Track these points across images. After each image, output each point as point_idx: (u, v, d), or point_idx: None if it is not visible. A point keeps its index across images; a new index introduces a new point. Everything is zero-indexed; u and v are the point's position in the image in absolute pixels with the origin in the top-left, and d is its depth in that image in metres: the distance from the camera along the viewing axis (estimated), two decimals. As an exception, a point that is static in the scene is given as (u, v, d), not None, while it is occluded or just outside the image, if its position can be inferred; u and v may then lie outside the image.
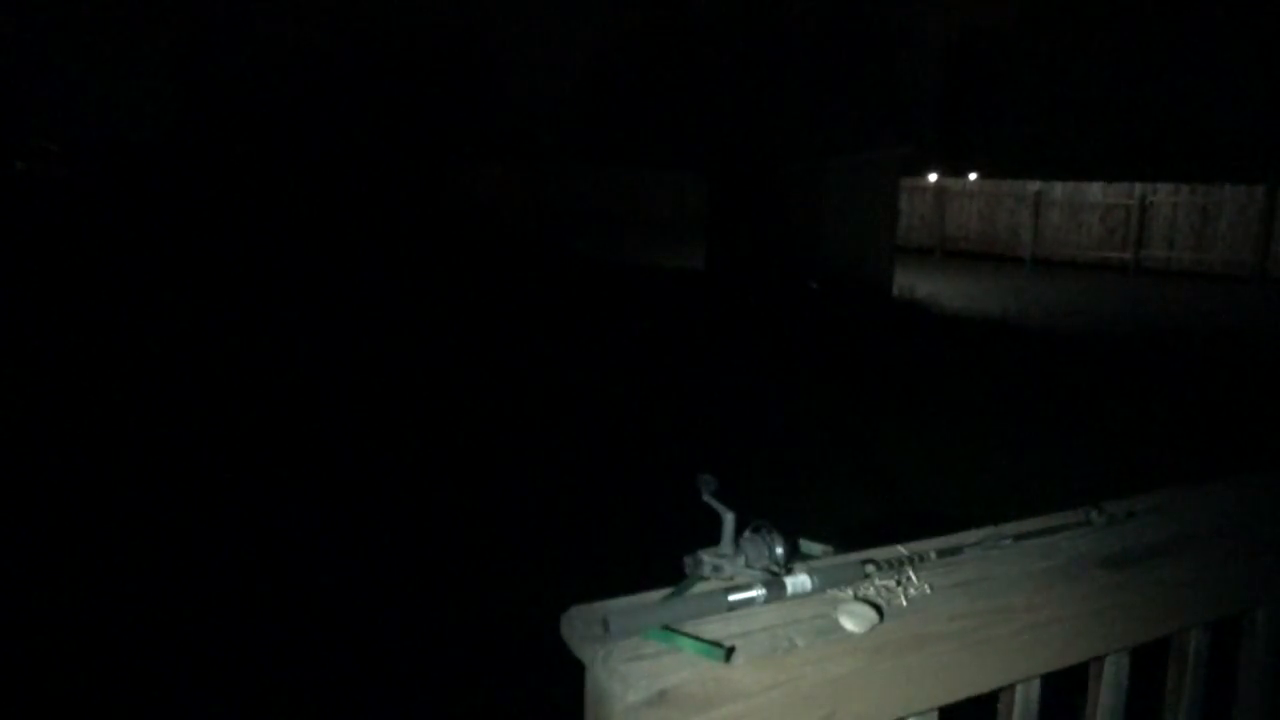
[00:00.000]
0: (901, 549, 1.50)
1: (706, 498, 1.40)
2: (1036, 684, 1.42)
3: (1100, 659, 1.42)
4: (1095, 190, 18.71)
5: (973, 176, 21.82)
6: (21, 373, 7.26)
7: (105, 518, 4.34)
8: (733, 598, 1.29)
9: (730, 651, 1.18)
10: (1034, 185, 19.62)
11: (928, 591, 1.39)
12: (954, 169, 23.53)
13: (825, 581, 1.35)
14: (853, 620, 1.25)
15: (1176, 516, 1.57)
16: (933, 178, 21.55)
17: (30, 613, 3.43)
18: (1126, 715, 1.42)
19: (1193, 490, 1.71)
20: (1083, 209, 18.73)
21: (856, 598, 1.34)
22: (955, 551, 1.53)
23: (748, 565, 1.35)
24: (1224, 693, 1.53)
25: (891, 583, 1.41)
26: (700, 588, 1.33)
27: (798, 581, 1.32)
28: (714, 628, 1.24)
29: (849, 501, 4.69)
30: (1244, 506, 1.67)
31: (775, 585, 1.31)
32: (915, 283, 14.13)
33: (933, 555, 1.51)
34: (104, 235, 18.67)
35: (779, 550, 1.36)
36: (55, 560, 3.89)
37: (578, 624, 1.24)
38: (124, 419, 5.99)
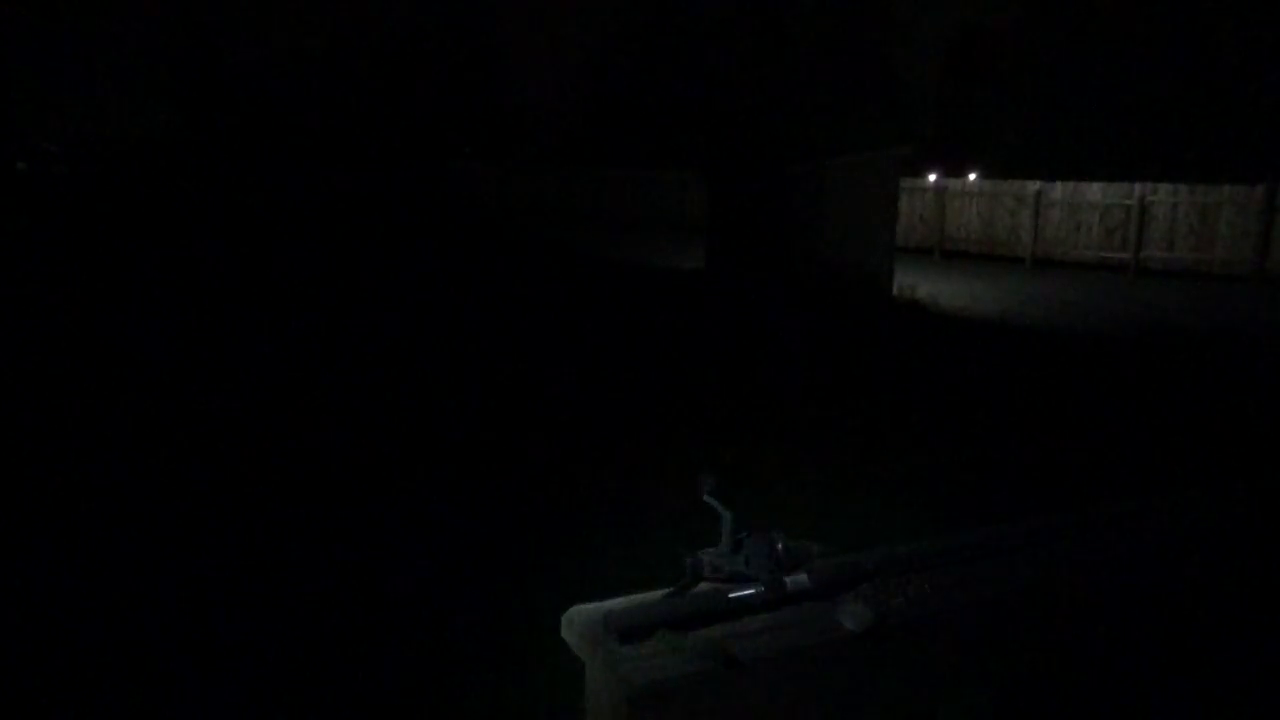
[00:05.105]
0: (900, 549, 1.51)
1: (706, 497, 1.41)
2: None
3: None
4: (1095, 190, 18.71)
5: (973, 176, 21.83)
6: (21, 372, 7.27)
7: (105, 513, 4.36)
8: (732, 596, 1.29)
9: (729, 650, 1.18)
10: (1034, 185, 19.62)
11: (926, 590, 1.39)
12: (954, 169, 23.54)
13: (824, 581, 1.36)
14: (851, 620, 1.26)
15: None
16: (933, 178, 21.55)
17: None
18: None
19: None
20: (1083, 209, 18.72)
21: (855, 597, 1.35)
22: (954, 553, 1.53)
23: (747, 564, 1.36)
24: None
25: (889, 583, 1.42)
26: (700, 587, 1.34)
27: (797, 581, 1.33)
28: (713, 627, 1.25)
29: (847, 502, 4.70)
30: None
31: (775, 585, 1.32)
32: (915, 283, 14.13)
33: (931, 556, 1.51)
34: (104, 234, 18.69)
35: (779, 549, 1.37)
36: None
37: (578, 624, 1.25)
38: (121, 415, 6.00)
